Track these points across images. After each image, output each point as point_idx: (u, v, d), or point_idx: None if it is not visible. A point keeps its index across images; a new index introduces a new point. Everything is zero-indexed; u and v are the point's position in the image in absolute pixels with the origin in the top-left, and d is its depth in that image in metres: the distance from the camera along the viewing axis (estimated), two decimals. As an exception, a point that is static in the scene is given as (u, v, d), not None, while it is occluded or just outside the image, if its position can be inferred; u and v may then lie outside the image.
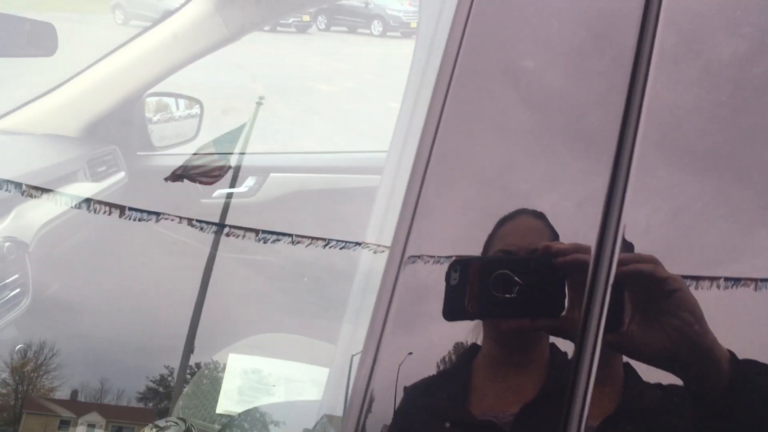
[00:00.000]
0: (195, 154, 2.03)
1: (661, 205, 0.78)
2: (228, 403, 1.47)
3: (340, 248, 1.46)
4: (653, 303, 0.79)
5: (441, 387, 0.81)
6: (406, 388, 0.78)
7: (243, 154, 1.96)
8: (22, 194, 1.37)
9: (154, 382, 1.46)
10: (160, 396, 1.47)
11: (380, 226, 1.05)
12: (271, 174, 1.89)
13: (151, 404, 1.46)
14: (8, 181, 1.28)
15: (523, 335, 0.86)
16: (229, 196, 1.84)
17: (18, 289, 1.32)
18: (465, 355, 0.83)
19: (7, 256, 1.31)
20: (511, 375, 0.86)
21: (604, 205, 0.77)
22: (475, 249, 0.88)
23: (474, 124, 0.87)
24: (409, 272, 0.83)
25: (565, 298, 0.84)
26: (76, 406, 1.37)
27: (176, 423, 1.27)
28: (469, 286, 0.92)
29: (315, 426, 1.46)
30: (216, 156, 1.89)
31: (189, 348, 1.51)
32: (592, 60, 0.83)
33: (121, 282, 1.61)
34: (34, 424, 1.32)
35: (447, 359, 0.83)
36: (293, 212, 1.85)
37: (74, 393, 1.40)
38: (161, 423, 1.28)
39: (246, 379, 1.56)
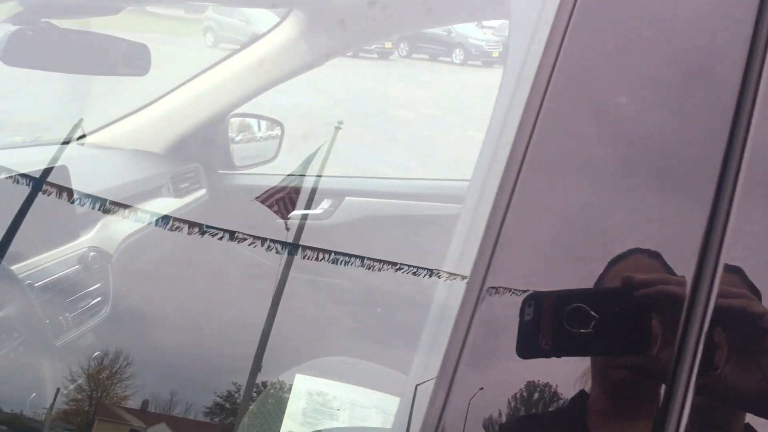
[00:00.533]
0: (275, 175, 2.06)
1: (763, 245, 0.73)
2: (292, 424, 1.47)
3: (413, 274, 1.45)
4: (749, 342, 0.73)
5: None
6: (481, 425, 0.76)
7: (320, 176, 1.99)
8: (104, 211, 1.42)
9: (221, 397, 1.47)
10: (226, 412, 1.49)
11: (458, 255, 1.03)
12: (347, 198, 1.91)
13: (216, 419, 1.47)
14: (93, 197, 1.33)
15: (631, 386, 0.81)
16: (304, 217, 1.86)
17: (99, 298, 1.36)
18: (574, 401, 0.79)
19: (92, 265, 1.36)
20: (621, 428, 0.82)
21: (701, 244, 0.74)
22: (555, 287, 0.85)
23: (560, 159, 0.85)
24: (487, 305, 0.81)
25: (649, 334, 0.78)
26: (146, 416, 1.39)
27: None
28: (543, 322, 0.88)
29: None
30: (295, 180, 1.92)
31: (257, 367, 1.52)
32: (688, 97, 0.80)
33: (195, 297, 1.64)
34: (105, 431, 1.36)
35: (527, 397, 0.80)
36: (366, 237, 1.86)
37: (145, 403, 1.43)
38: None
39: (311, 401, 1.56)
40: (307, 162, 1.87)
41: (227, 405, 1.49)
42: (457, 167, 2.07)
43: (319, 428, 1.39)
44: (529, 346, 0.87)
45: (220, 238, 1.51)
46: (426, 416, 0.75)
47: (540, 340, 0.88)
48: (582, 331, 0.87)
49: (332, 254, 1.56)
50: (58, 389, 1.21)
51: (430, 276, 1.50)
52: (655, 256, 0.79)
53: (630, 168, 0.82)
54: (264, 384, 1.55)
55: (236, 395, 1.49)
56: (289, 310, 1.76)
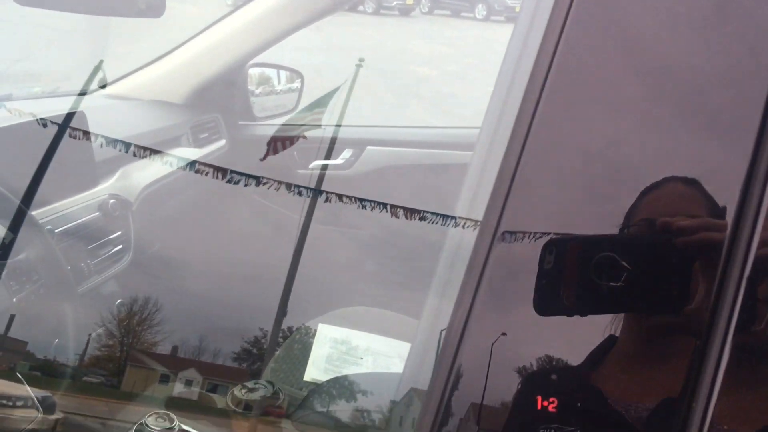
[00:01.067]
0: (294, 124, 2.04)
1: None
2: (316, 371, 1.47)
3: (434, 222, 1.43)
4: None
5: (565, 371, 0.75)
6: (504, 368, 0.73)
7: (340, 126, 1.96)
8: (134, 154, 1.41)
9: (248, 343, 1.48)
10: (253, 357, 1.49)
11: (471, 200, 1.00)
12: (368, 147, 1.88)
13: (244, 365, 1.48)
14: (115, 140, 1.32)
15: (665, 338, 0.76)
16: (325, 167, 1.84)
17: (120, 246, 1.36)
18: (601, 346, 0.75)
19: (112, 212, 1.35)
20: (648, 367, 0.77)
21: (743, 183, 0.69)
22: (578, 227, 0.80)
23: (579, 97, 0.81)
24: (503, 249, 0.77)
25: (688, 288, 0.71)
26: (176, 361, 1.40)
27: (265, 386, 1.28)
28: (566, 272, 0.79)
29: (401, 399, 1.45)
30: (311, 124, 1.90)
31: (282, 312, 1.53)
32: (722, 27, 0.76)
33: (219, 245, 1.64)
34: (137, 376, 1.37)
35: (555, 343, 0.76)
36: (388, 185, 1.84)
37: (174, 349, 1.43)
38: (250, 384, 1.29)
39: (334, 349, 1.56)
40: (329, 97, 1.84)
41: (254, 350, 1.49)
42: (478, 122, 2.03)
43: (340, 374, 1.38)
44: (548, 301, 0.78)
45: (246, 185, 1.50)
46: (440, 359, 0.73)
47: (561, 295, 0.79)
48: (612, 284, 0.77)
49: (354, 200, 1.55)
50: (90, 335, 1.22)
51: (455, 224, 1.48)
52: (692, 183, 0.74)
53: (656, 103, 0.78)
54: (290, 330, 1.55)
55: (263, 340, 1.49)
56: (313, 261, 1.75)
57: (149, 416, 1.24)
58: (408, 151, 1.92)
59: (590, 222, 0.81)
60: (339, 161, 1.89)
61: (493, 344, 0.77)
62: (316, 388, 1.20)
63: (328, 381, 1.31)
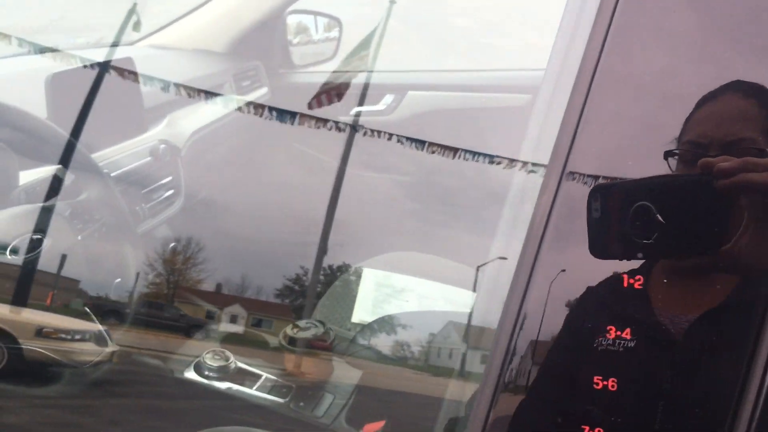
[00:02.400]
0: (335, 72, 2.04)
1: None
2: (362, 313, 1.50)
3: (490, 162, 1.44)
4: None
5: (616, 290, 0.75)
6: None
7: (378, 72, 1.96)
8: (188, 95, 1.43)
9: (290, 280, 1.51)
10: (295, 294, 1.53)
11: (535, 144, 1.00)
12: (409, 92, 1.87)
13: (287, 300, 1.52)
14: (173, 83, 1.34)
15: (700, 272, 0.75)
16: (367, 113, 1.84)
17: (172, 190, 1.39)
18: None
19: (163, 157, 1.38)
20: (695, 280, 0.77)
21: None
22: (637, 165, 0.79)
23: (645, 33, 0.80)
24: (567, 189, 0.77)
25: (727, 230, 0.71)
26: (221, 298, 1.44)
27: (316, 325, 1.31)
28: (611, 223, 0.80)
29: (440, 331, 1.48)
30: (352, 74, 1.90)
31: (322, 251, 1.55)
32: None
33: (261, 189, 1.66)
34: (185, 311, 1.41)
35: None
36: (431, 130, 1.84)
37: (218, 286, 1.47)
38: (302, 324, 1.32)
39: (379, 292, 1.58)
40: (368, 41, 1.84)
41: (296, 287, 1.53)
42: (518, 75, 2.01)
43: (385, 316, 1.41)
44: (599, 246, 0.79)
45: (291, 123, 1.51)
46: (507, 300, 0.73)
47: (608, 243, 0.80)
48: (645, 242, 0.79)
49: (395, 137, 1.56)
50: (138, 274, 1.26)
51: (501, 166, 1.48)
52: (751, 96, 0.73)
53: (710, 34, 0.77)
54: (330, 268, 1.58)
55: (304, 278, 1.52)
56: (357, 207, 1.77)
57: (207, 353, 1.28)
58: (450, 95, 1.91)
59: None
60: (380, 107, 1.89)
61: (552, 282, 0.78)
62: (363, 327, 1.23)
63: (376, 320, 1.34)
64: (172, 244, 1.37)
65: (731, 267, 0.70)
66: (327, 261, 1.62)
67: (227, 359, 1.29)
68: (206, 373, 1.27)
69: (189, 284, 1.38)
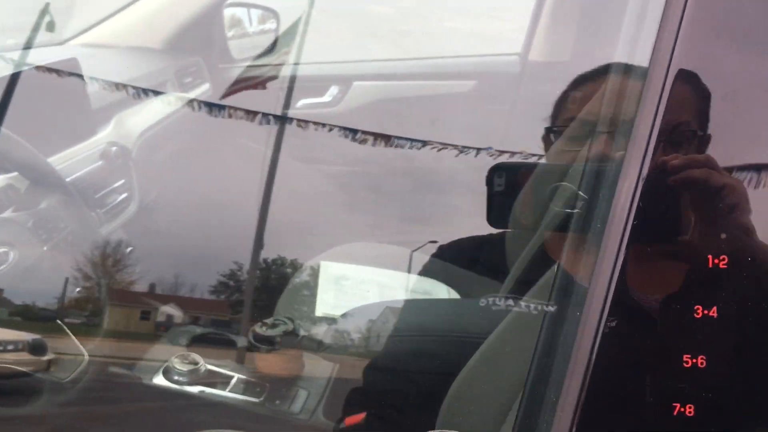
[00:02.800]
0: (274, 65, 2.02)
1: None
2: (326, 307, 1.50)
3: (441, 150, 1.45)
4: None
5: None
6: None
7: (321, 64, 1.95)
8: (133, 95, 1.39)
9: (224, 276, 1.51)
10: (231, 290, 1.52)
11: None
12: (355, 82, 1.87)
13: (222, 296, 1.51)
14: (122, 84, 1.30)
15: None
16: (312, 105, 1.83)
17: (126, 194, 1.35)
18: None
19: (114, 160, 1.34)
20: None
21: None
22: None
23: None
24: None
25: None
26: (155, 298, 1.41)
27: (284, 322, 1.30)
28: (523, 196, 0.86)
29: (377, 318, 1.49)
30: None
31: (258, 245, 1.54)
32: None
33: (209, 187, 1.64)
34: (118, 315, 1.38)
35: None
36: (380, 120, 1.84)
37: (152, 286, 1.45)
38: (270, 321, 1.31)
39: (340, 285, 1.58)
40: (289, 35, 1.83)
41: (231, 282, 1.52)
42: (441, 61, 2.04)
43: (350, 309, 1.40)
44: (500, 218, 0.86)
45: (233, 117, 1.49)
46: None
47: (518, 214, 0.87)
48: (569, 211, 0.86)
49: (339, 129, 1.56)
50: (67, 278, 1.22)
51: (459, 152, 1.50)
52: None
53: None
54: (265, 261, 1.57)
55: (239, 273, 1.51)
56: (307, 200, 1.76)
57: (175, 357, 1.25)
58: (398, 84, 1.92)
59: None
60: (326, 98, 1.88)
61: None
62: (334, 321, 1.23)
63: (344, 314, 1.33)
64: (130, 248, 1.34)
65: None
66: (268, 255, 1.60)
67: (196, 362, 1.26)
68: (176, 378, 1.24)
69: (119, 285, 1.35)
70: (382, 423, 1.12)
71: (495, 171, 0.93)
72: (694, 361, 0.51)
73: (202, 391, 1.22)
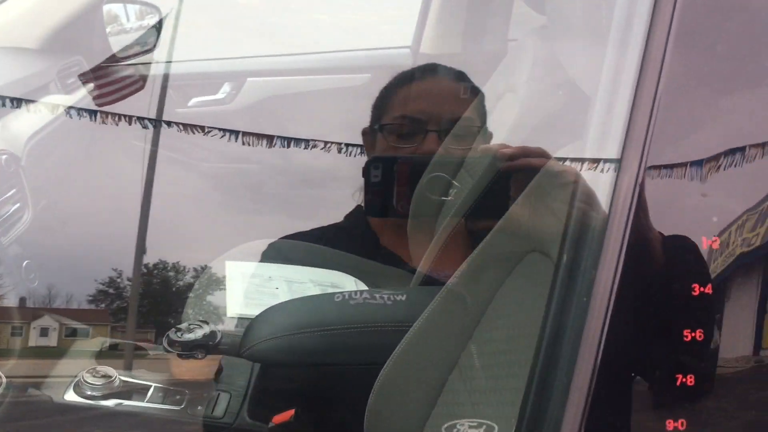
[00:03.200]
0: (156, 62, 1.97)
1: None
2: (237, 306, 1.48)
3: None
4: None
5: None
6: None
7: (211, 60, 1.91)
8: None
9: (103, 284, 1.47)
10: (113, 297, 1.49)
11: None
12: (249, 78, 1.85)
13: (103, 305, 1.47)
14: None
15: None
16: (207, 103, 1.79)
17: (18, 204, 1.28)
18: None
19: (6, 168, 1.26)
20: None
21: None
22: None
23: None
24: None
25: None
26: (25, 312, 1.36)
27: (200, 326, 1.28)
28: (397, 186, 0.94)
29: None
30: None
31: (141, 250, 1.51)
32: None
33: (104, 193, 1.58)
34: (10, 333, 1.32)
35: None
36: (275, 116, 1.83)
37: (22, 300, 1.39)
38: (184, 326, 1.28)
39: (248, 283, 1.56)
40: (151, 32, 1.79)
41: (110, 290, 1.48)
42: (314, 50, 2.05)
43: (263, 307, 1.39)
44: (377, 207, 0.94)
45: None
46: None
47: (395, 203, 0.96)
48: (443, 198, 0.96)
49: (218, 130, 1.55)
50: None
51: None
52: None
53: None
54: (147, 266, 1.55)
55: (118, 280, 1.48)
56: (204, 200, 1.73)
57: (84, 372, 1.21)
58: (292, 80, 1.90)
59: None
60: (219, 96, 1.85)
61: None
62: (251, 322, 1.21)
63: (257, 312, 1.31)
64: (26, 262, 1.27)
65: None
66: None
67: (110, 375, 1.22)
68: (89, 393, 1.20)
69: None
70: (311, 419, 1.13)
71: (371, 163, 0.99)
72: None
73: (119, 404, 1.19)
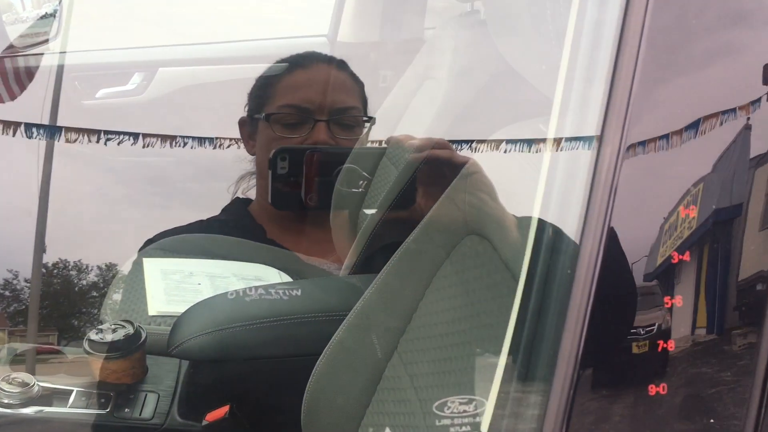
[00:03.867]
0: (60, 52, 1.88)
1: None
2: (159, 304, 1.43)
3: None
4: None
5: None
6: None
7: (117, 50, 1.84)
8: None
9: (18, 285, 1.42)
10: (9, 300, 1.43)
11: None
12: (160, 69, 1.78)
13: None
14: None
15: None
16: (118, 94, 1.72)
17: None
18: None
19: None
20: None
21: None
22: None
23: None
24: None
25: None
26: None
27: (123, 325, 1.23)
28: (306, 179, 0.95)
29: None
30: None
31: (40, 248, 1.46)
32: None
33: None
34: None
35: None
36: (188, 107, 1.77)
37: None
38: (106, 326, 1.23)
39: (169, 280, 1.51)
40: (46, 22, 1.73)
41: (6, 293, 1.43)
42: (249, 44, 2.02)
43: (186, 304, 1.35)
44: (287, 198, 0.95)
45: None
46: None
47: (303, 195, 0.97)
48: (354, 190, 0.99)
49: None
50: None
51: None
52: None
53: None
54: (54, 265, 1.50)
55: (14, 281, 1.43)
56: (105, 195, 1.66)
57: (1, 379, 1.14)
58: (204, 69, 1.85)
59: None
60: (129, 87, 1.77)
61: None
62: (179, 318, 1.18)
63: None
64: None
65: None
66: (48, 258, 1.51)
67: (27, 382, 1.16)
68: (6, 401, 1.13)
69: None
70: (246, 414, 1.11)
71: (278, 154, 0.98)
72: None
73: (40, 411, 1.13)
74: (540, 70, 0.69)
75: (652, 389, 0.59)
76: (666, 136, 0.59)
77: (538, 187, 0.61)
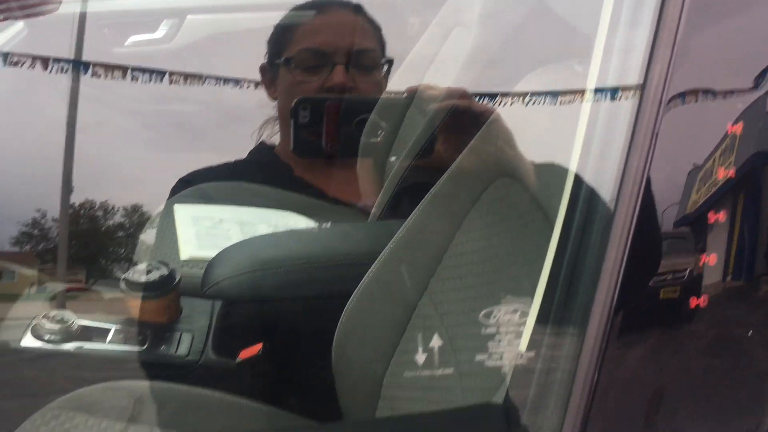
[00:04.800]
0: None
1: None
2: (191, 249, 1.46)
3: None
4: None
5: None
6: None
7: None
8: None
9: (26, 226, 1.45)
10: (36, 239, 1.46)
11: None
12: (189, 16, 1.78)
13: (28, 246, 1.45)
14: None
15: None
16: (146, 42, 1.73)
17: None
18: None
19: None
20: None
21: None
22: None
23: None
24: None
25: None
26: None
27: (158, 266, 1.26)
28: (326, 127, 0.97)
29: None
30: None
31: (67, 190, 1.48)
32: None
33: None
34: None
35: None
36: (219, 55, 1.78)
37: None
38: (142, 267, 1.26)
39: (199, 225, 1.54)
40: None
41: (35, 232, 1.46)
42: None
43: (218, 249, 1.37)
44: (309, 146, 0.97)
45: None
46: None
47: (323, 143, 0.99)
48: (372, 140, 1.00)
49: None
50: None
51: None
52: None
53: None
54: (81, 206, 1.52)
55: (43, 221, 1.46)
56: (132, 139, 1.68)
57: (41, 317, 1.18)
58: (235, 17, 1.85)
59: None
60: (158, 35, 1.78)
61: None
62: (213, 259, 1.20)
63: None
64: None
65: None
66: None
67: (67, 320, 1.20)
68: (47, 337, 1.17)
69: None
70: (279, 353, 1.14)
71: (300, 104, 0.99)
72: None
73: (80, 347, 1.17)
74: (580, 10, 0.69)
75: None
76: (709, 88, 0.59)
77: (577, 132, 0.62)
